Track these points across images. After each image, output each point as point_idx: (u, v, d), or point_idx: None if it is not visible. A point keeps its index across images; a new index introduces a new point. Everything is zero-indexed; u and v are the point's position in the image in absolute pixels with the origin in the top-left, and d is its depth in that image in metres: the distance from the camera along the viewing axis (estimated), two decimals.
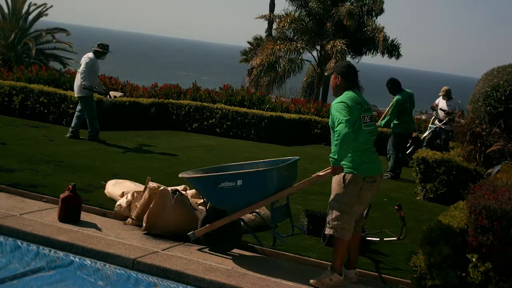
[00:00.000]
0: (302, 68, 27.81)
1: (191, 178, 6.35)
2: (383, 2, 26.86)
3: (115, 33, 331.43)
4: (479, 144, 9.92)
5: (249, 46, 33.42)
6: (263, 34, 32.42)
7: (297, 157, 6.59)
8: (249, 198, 6.08)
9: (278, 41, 26.41)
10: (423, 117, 22.01)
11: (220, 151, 12.59)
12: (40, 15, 34.12)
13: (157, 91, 17.39)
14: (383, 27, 26.79)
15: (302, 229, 6.53)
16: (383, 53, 27.28)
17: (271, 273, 6.01)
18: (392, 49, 27.30)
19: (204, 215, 6.45)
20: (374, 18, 27.32)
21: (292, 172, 6.42)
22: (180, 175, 6.42)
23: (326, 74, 25.02)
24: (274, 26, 28.12)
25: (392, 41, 27.24)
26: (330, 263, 5.95)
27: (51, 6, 34.68)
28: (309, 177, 6.13)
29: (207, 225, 6.36)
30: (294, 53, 26.60)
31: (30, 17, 33.98)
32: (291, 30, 26.56)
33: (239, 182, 6.00)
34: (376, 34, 26.45)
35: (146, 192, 6.82)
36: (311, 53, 28.11)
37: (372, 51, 27.47)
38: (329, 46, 25.68)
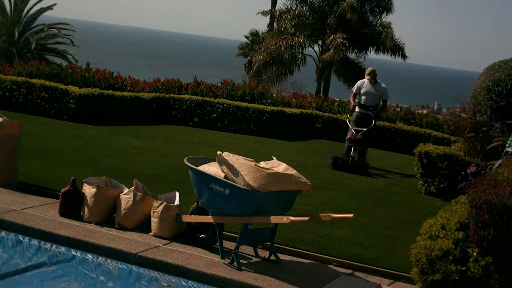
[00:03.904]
0: (305, 63, 27.78)
1: (189, 167, 6.34)
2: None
3: (113, 27, 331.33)
4: (481, 134, 9.87)
5: (246, 40, 33.34)
6: (264, 29, 32.37)
7: (300, 190, 6.15)
8: (228, 208, 6.00)
9: (279, 36, 26.37)
10: (425, 111, 21.97)
11: (223, 145, 12.59)
12: (42, 10, 34.07)
13: (159, 85, 17.38)
14: (389, 23, 26.60)
15: (279, 261, 6.35)
16: (389, 52, 27.11)
17: (272, 268, 6.03)
18: (397, 49, 27.12)
19: (194, 205, 6.51)
20: (383, 15, 27.10)
21: (287, 200, 6.19)
22: (185, 160, 6.40)
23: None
24: (275, 23, 28.04)
25: (396, 41, 27.05)
26: (331, 257, 5.95)
27: (55, 4, 34.65)
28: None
29: (192, 215, 6.43)
30: (296, 48, 26.59)
31: (32, 11, 33.95)
32: (291, 26, 26.50)
33: (227, 191, 5.94)
34: (383, 31, 26.25)
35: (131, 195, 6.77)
36: (312, 48, 28.09)
37: (376, 49, 27.31)
38: (329, 40, 25.65)
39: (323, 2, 26.81)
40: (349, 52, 26.88)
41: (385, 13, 27.00)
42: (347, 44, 25.52)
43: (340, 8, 25.60)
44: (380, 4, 26.74)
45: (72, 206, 6.85)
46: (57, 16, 35.69)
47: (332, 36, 25.59)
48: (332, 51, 24.84)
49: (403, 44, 27.22)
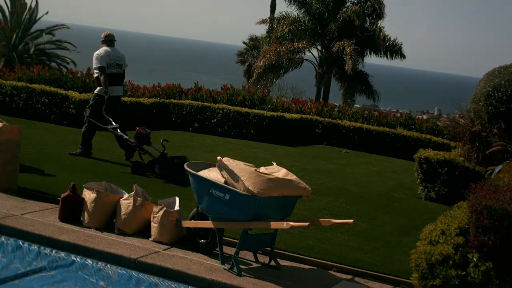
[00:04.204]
0: (301, 65, 27.91)
1: (189, 172, 6.33)
2: (384, 6, 26.92)
3: (114, 32, 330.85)
4: (477, 144, 9.91)
5: (245, 46, 33.44)
6: (262, 34, 32.52)
7: (300, 195, 6.11)
8: (228, 214, 5.98)
9: (277, 42, 26.52)
10: (425, 117, 21.98)
11: (223, 151, 12.59)
12: (38, 15, 34.15)
13: (160, 90, 17.40)
14: (382, 27, 26.94)
15: (279, 267, 6.26)
16: (386, 55, 27.33)
17: (271, 273, 6.02)
18: (395, 50, 27.32)
19: (194, 211, 6.50)
20: (380, 20, 27.32)
21: (287, 205, 6.16)
22: (185, 165, 6.39)
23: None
24: (273, 31, 28.26)
25: (393, 41, 27.26)
26: (331, 263, 5.91)
27: (47, 13, 34.73)
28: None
29: (192, 220, 6.43)
30: (295, 54, 26.71)
31: (31, 16, 34.02)
32: (288, 32, 26.64)
33: (227, 196, 5.92)
34: (377, 35, 26.51)
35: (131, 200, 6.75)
36: (311, 52, 28.19)
37: (374, 53, 27.48)
38: (336, 47, 25.73)
39: (321, 7, 26.95)
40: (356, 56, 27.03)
41: (380, 18, 27.22)
42: (359, 49, 25.66)
43: (342, 14, 25.70)
44: (374, 11, 26.90)
45: (72, 211, 6.84)
46: (57, 21, 35.72)
47: (338, 43, 25.65)
48: (350, 61, 24.87)
49: (401, 43, 27.45)
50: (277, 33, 26.81)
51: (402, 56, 27.64)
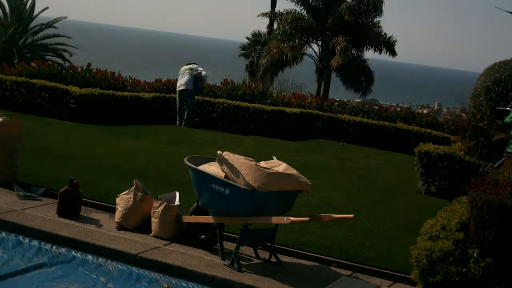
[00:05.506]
0: (302, 60, 27.93)
1: (189, 166, 6.32)
2: (383, 2, 26.98)
3: (115, 28, 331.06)
4: (481, 139, 9.89)
5: (248, 41, 33.37)
6: (264, 30, 32.45)
7: (300, 190, 6.12)
8: (228, 209, 5.98)
9: (281, 39, 26.63)
10: (425, 111, 21.98)
11: (223, 145, 12.59)
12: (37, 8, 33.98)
13: (160, 85, 17.37)
14: (378, 21, 27.07)
15: (279, 262, 6.27)
16: (379, 50, 27.44)
17: (272, 269, 6.02)
18: (388, 46, 27.44)
19: (194, 206, 6.50)
20: (377, 15, 27.33)
21: (287, 200, 6.16)
22: (185, 159, 6.38)
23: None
24: (275, 25, 28.26)
25: (389, 38, 27.33)
26: (331, 258, 5.90)
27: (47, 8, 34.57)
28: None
29: (192, 215, 6.42)
30: (297, 50, 26.79)
31: (30, 11, 33.90)
32: (291, 29, 26.73)
33: (227, 191, 5.92)
34: (375, 30, 26.60)
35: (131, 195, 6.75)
36: (311, 47, 28.19)
37: (371, 48, 27.57)
38: (332, 42, 25.84)
39: (319, 2, 27.03)
40: (348, 52, 27.09)
41: (380, 13, 27.27)
42: (350, 47, 25.71)
43: (338, 9, 25.78)
44: (374, 5, 26.90)
45: (70, 206, 6.83)
46: (56, 17, 35.63)
47: (335, 39, 25.78)
48: (338, 56, 24.97)
49: (395, 41, 27.52)
50: (278, 29, 26.95)
51: (393, 53, 27.72)
